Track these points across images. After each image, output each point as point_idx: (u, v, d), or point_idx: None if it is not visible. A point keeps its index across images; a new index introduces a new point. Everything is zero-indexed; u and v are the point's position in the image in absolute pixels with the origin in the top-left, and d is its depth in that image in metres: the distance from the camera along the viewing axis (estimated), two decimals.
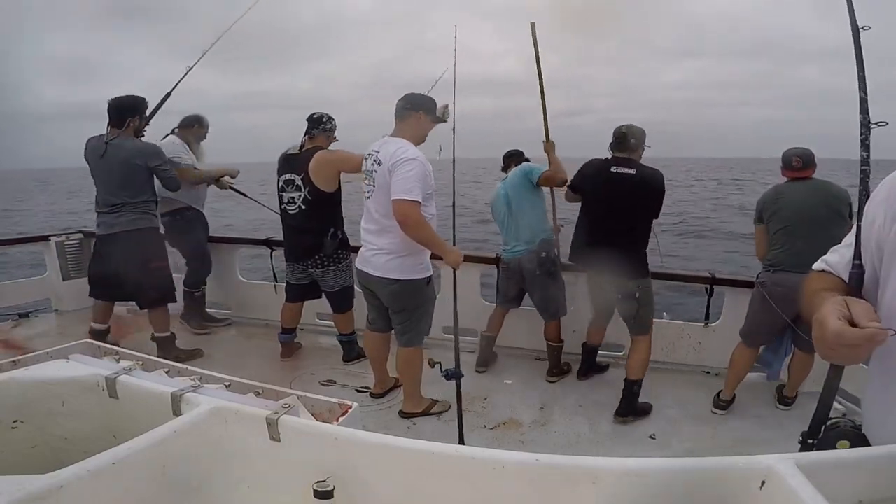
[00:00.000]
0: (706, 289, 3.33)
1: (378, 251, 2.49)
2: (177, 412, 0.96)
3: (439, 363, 2.40)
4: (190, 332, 3.72)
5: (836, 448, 0.96)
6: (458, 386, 2.36)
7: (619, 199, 2.74)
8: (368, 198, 2.51)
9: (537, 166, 3.19)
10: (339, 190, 3.12)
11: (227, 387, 1.07)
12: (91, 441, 0.97)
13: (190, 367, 1.15)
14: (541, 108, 3.22)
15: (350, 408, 1.03)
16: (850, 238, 0.94)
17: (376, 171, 2.41)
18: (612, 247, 2.68)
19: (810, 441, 1.08)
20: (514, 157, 3.38)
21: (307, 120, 3.14)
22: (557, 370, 3.29)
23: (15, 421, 1.03)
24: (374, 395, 2.94)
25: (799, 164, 2.75)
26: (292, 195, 3.07)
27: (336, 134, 3.17)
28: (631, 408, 2.83)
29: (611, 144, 2.83)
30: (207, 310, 3.97)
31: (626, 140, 2.77)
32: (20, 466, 0.83)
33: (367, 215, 2.56)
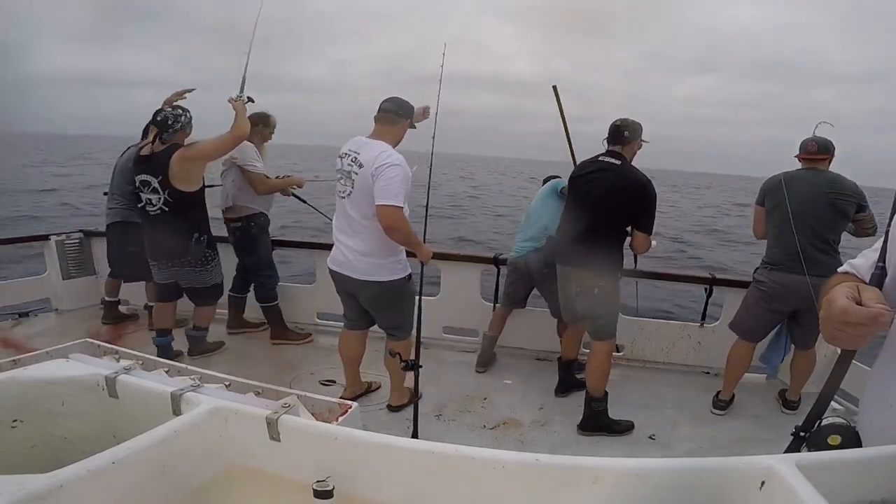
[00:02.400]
0: (706, 289, 3.34)
1: (356, 253, 2.48)
2: (177, 412, 0.96)
3: (399, 353, 2.40)
4: (292, 344, 3.63)
5: (827, 442, 0.97)
6: (416, 376, 2.41)
7: (598, 188, 2.59)
8: (344, 198, 2.48)
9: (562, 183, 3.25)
10: (202, 188, 3.02)
11: (227, 386, 1.07)
12: (91, 441, 0.96)
13: (190, 367, 1.16)
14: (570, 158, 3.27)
15: (350, 408, 1.03)
16: (878, 243, 0.96)
17: (356, 174, 2.40)
18: (583, 240, 2.56)
19: (802, 434, 1.09)
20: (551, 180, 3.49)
21: (153, 123, 2.95)
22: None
23: (15, 420, 1.03)
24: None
25: (814, 147, 2.70)
26: (150, 197, 2.92)
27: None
28: (594, 423, 2.66)
29: (605, 138, 2.69)
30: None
31: (620, 132, 2.62)
32: (20, 466, 0.83)
33: (341, 216, 2.52)
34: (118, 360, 1.16)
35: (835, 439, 0.97)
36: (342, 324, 2.88)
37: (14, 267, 5.10)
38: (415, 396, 2.68)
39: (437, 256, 3.66)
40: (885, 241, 0.93)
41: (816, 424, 1.04)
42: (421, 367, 2.41)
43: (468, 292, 3.62)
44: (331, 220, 2.73)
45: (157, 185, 2.88)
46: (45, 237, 4.04)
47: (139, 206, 3.02)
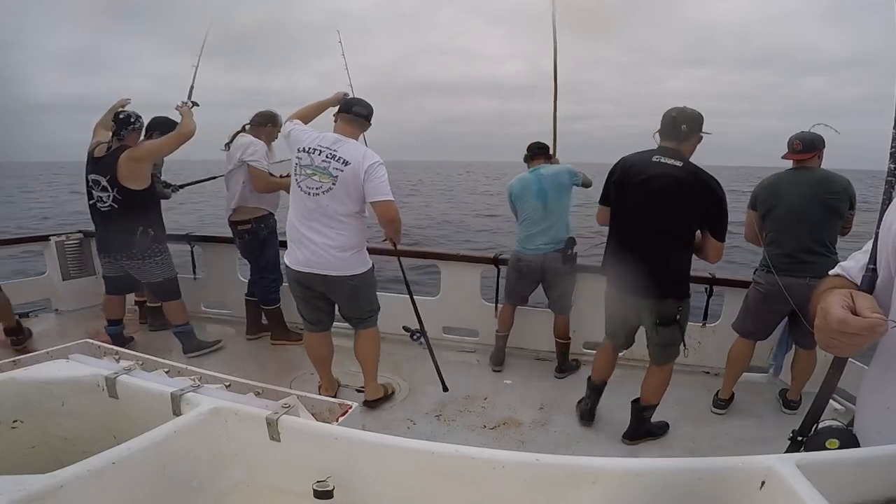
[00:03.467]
0: (706, 289, 3.34)
1: (333, 249, 2.47)
2: (177, 412, 0.96)
3: (409, 328, 2.85)
4: (292, 344, 3.59)
5: (825, 446, 0.97)
6: (427, 340, 2.89)
7: (664, 197, 2.19)
8: (318, 195, 2.42)
9: (576, 170, 3.18)
10: (152, 185, 3.15)
11: (227, 387, 1.07)
12: (91, 441, 0.97)
13: (190, 367, 1.15)
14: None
15: (350, 408, 1.03)
16: (868, 244, 0.96)
17: (339, 170, 2.39)
18: (647, 258, 2.21)
19: (800, 438, 1.09)
20: (543, 151, 3.28)
21: (113, 121, 3.09)
22: (567, 367, 3.31)
23: (15, 421, 1.03)
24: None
25: (799, 146, 2.64)
26: (100, 195, 3.08)
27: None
28: (642, 431, 2.60)
29: (658, 132, 2.29)
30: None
31: (676, 126, 2.20)
32: (20, 466, 0.83)
33: (313, 212, 2.46)
34: (118, 361, 1.16)
35: (833, 443, 0.96)
36: (305, 328, 2.85)
37: (14, 267, 5.10)
38: (388, 389, 2.93)
39: (438, 256, 3.67)
40: (875, 243, 0.93)
41: (813, 429, 1.04)
42: (426, 332, 2.87)
43: (468, 292, 3.62)
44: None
45: (105, 183, 3.04)
46: (45, 238, 4.04)
47: (90, 203, 3.17)
